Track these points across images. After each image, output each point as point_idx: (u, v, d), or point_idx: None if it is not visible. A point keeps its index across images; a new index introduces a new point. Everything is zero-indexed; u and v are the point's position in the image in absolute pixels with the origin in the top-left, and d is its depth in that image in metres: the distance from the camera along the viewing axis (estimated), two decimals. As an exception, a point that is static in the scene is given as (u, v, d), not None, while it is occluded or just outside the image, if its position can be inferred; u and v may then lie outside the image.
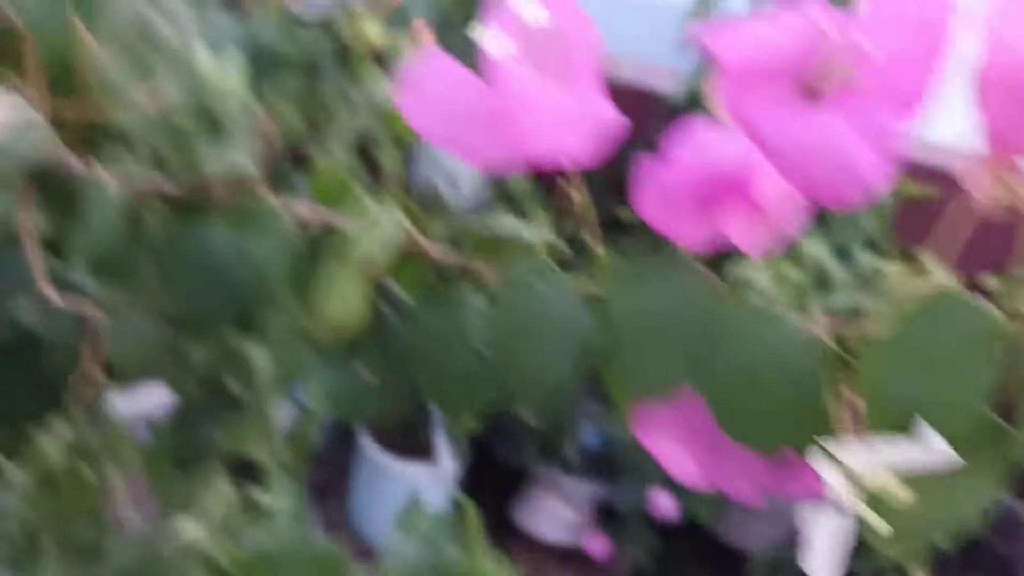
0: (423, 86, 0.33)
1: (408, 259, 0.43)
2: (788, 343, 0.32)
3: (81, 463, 0.68)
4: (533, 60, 0.33)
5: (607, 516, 2.37)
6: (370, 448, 2.28)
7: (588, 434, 2.30)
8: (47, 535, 0.68)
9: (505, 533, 2.45)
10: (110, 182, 0.48)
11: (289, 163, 0.67)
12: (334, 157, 0.67)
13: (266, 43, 0.78)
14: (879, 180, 0.29)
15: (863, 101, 0.29)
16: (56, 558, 0.69)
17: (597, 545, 2.31)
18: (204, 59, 0.61)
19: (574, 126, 0.31)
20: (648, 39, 2.39)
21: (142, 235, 0.48)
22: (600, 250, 0.36)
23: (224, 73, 0.61)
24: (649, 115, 2.33)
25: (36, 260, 0.47)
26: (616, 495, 2.32)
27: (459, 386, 0.41)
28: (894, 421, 0.29)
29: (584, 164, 0.31)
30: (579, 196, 0.37)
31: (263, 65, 0.75)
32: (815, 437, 0.31)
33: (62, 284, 0.52)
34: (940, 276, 0.31)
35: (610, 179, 2.32)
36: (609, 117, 0.31)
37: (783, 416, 0.31)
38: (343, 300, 0.41)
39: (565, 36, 0.33)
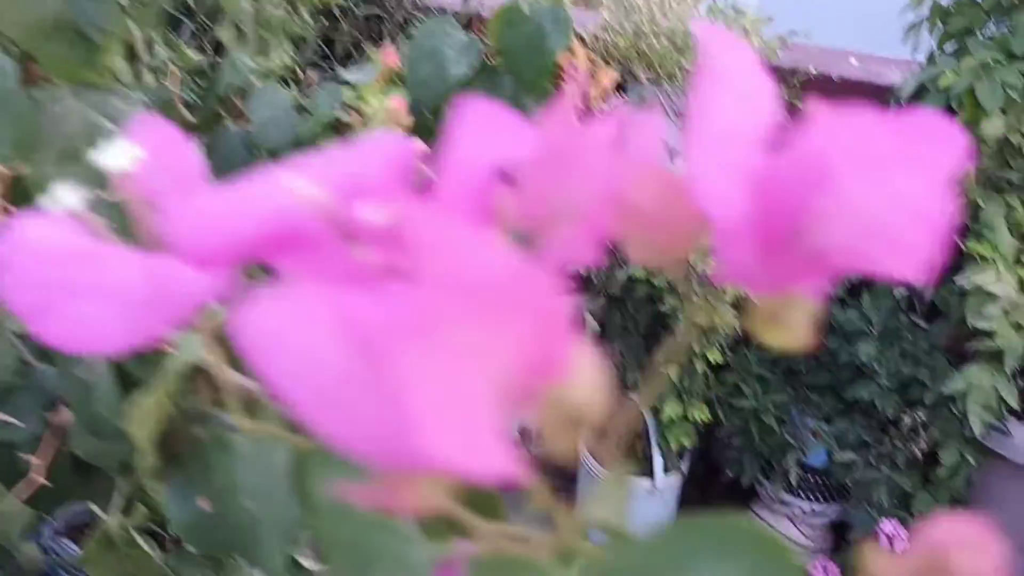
0: (11, 253, 0.28)
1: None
2: None
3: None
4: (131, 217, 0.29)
5: (838, 540, 2.19)
6: (588, 459, 2.27)
7: (813, 452, 2.13)
8: None
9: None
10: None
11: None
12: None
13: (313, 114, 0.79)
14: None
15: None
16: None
17: (824, 571, 2.14)
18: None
19: (125, 301, 0.26)
20: (873, 30, 2.17)
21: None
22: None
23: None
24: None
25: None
26: (846, 518, 2.14)
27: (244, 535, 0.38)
28: None
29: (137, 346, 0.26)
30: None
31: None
32: None
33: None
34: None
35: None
36: (186, 282, 0.26)
37: None
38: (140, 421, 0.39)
39: (162, 183, 0.28)
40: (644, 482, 2.17)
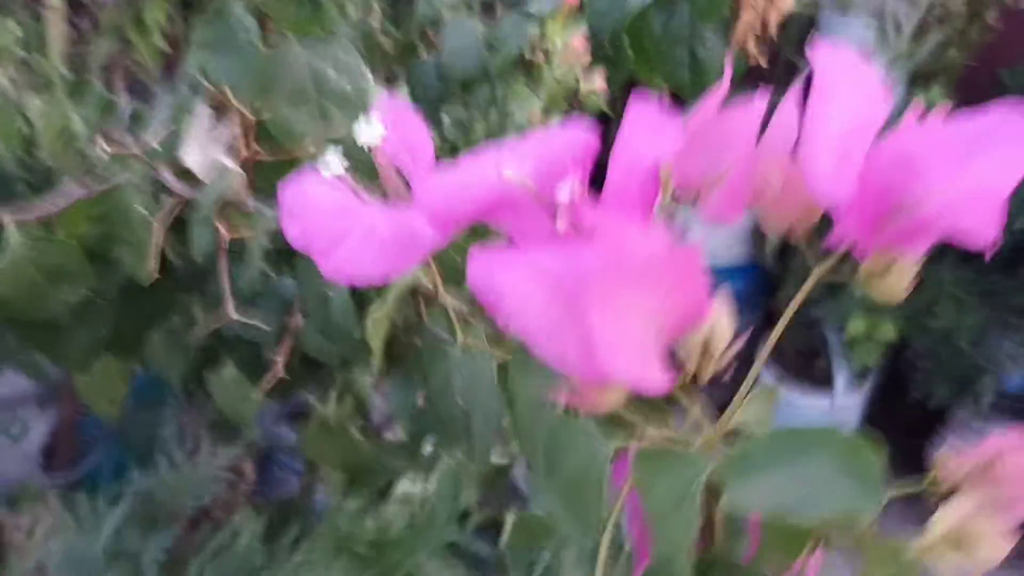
0: (299, 207, 0.36)
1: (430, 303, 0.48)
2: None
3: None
4: (380, 179, 0.36)
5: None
6: (765, 373, 2.28)
7: (1011, 376, 2.04)
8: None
9: (916, 475, 2.30)
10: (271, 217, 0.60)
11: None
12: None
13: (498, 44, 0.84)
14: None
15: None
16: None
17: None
18: (373, 98, 0.69)
19: (378, 245, 0.33)
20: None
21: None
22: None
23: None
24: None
25: (225, 282, 0.61)
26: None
27: (457, 427, 0.46)
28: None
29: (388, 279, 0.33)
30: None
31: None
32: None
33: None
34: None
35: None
36: (422, 232, 0.32)
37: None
38: (374, 330, 0.48)
39: (400, 150, 0.35)
40: (822, 400, 2.16)
